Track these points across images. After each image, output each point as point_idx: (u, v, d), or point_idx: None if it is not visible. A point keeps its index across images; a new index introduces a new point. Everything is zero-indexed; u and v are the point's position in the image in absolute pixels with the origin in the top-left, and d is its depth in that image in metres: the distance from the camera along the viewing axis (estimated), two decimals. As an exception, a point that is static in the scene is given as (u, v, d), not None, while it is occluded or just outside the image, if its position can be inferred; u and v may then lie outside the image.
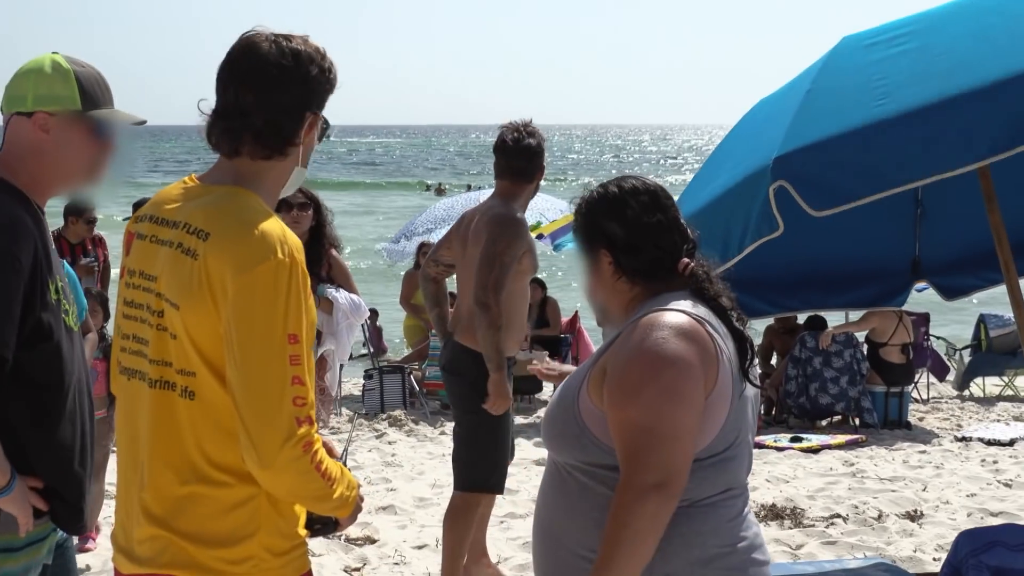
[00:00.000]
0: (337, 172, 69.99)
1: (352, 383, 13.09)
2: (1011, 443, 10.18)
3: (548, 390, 11.88)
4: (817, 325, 11.75)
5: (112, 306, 3.92)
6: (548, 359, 3.45)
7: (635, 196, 2.75)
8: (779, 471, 8.99)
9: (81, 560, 6.29)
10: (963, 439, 10.51)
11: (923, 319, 12.64)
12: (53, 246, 3.18)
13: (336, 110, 2.80)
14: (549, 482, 2.75)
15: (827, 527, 7.26)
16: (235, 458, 2.47)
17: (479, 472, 5.60)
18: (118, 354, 2.70)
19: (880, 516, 7.52)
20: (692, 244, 2.77)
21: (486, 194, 14.12)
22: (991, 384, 13.69)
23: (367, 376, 12.06)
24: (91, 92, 3.15)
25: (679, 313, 2.58)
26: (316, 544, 5.57)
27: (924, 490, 8.36)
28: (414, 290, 13.17)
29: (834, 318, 11.96)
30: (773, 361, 12.30)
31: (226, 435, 2.47)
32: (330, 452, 2.66)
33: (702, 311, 2.63)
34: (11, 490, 3.01)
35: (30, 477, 3.07)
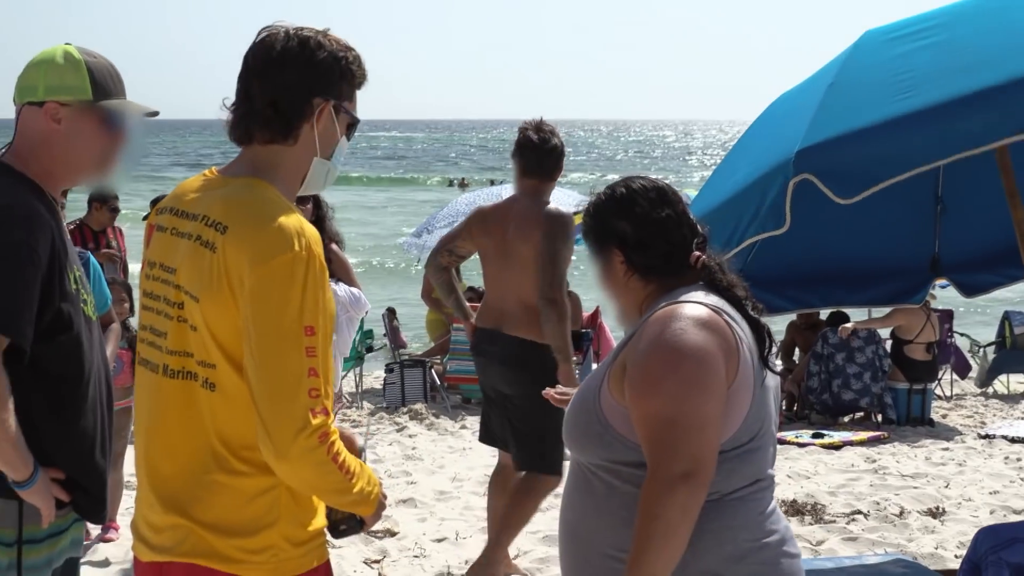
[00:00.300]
0: (361, 167, 69.98)
1: (373, 377, 13.14)
2: (1033, 441, 10.15)
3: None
4: (839, 321, 11.67)
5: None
6: (563, 388, 3.50)
7: (643, 194, 2.77)
8: (800, 467, 8.97)
9: (103, 551, 6.34)
10: (986, 436, 10.47)
11: (947, 316, 12.61)
12: (68, 236, 3.20)
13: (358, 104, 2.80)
14: (573, 485, 2.75)
15: (848, 523, 7.25)
16: (255, 449, 2.48)
17: (558, 455, 5.67)
18: (138, 345, 2.72)
19: (902, 513, 7.51)
20: (702, 238, 2.79)
21: (508, 188, 14.15)
22: (1015, 381, 13.64)
23: (388, 370, 12.06)
24: (102, 82, 3.17)
25: (696, 304, 2.59)
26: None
27: (946, 487, 8.34)
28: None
29: (858, 314, 11.89)
30: (795, 357, 12.27)
31: (246, 426, 2.48)
32: (350, 445, 2.66)
33: (718, 301, 2.64)
34: (34, 482, 3.03)
35: (52, 468, 3.10)
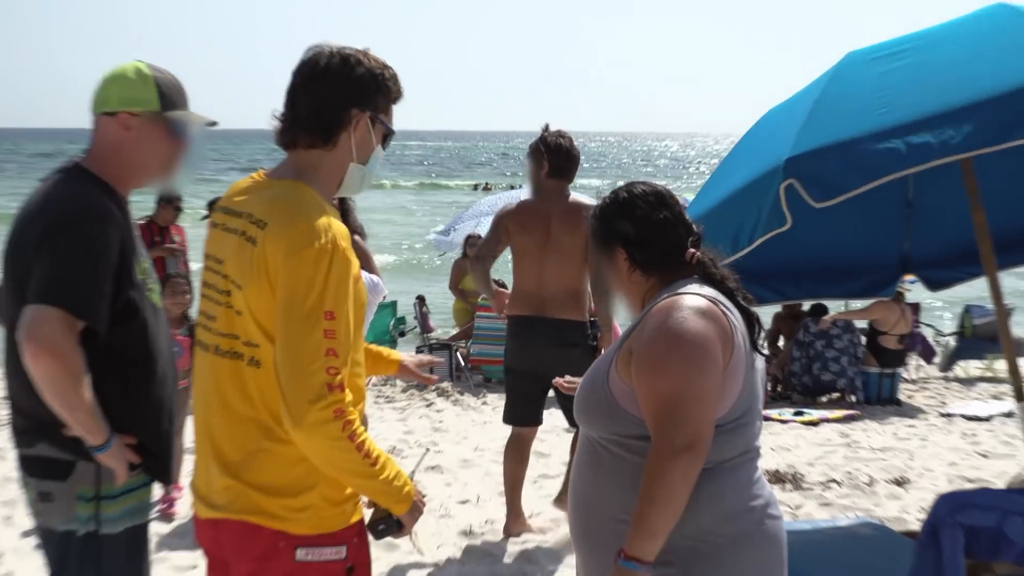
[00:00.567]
0: (394, 172, 70.06)
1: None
2: (988, 419, 10.15)
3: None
4: (820, 312, 11.70)
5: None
6: (570, 377, 3.52)
7: (643, 198, 2.78)
8: (782, 441, 8.97)
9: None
10: (946, 415, 10.47)
11: (914, 308, 12.64)
12: (137, 231, 3.22)
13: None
14: (584, 458, 2.75)
15: (824, 491, 7.25)
16: None
17: None
18: (196, 329, 2.74)
19: (871, 481, 7.51)
20: (697, 236, 2.79)
21: (527, 192, 14.14)
22: (973, 367, 13.65)
23: (418, 352, 12.05)
24: (168, 95, 3.18)
25: (695, 296, 2.59)
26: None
27: (910, 459, 8.33)
28: (462, 276, 13.18)
29: (836, 306, 11.96)
30: (780, 344, 12.31)
31: None
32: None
33: (714, 292, 2.64)
34: (109, 447, 3.05)
35: (125, 435, 3.11)
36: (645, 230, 2.74)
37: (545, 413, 9.52)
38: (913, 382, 12.72)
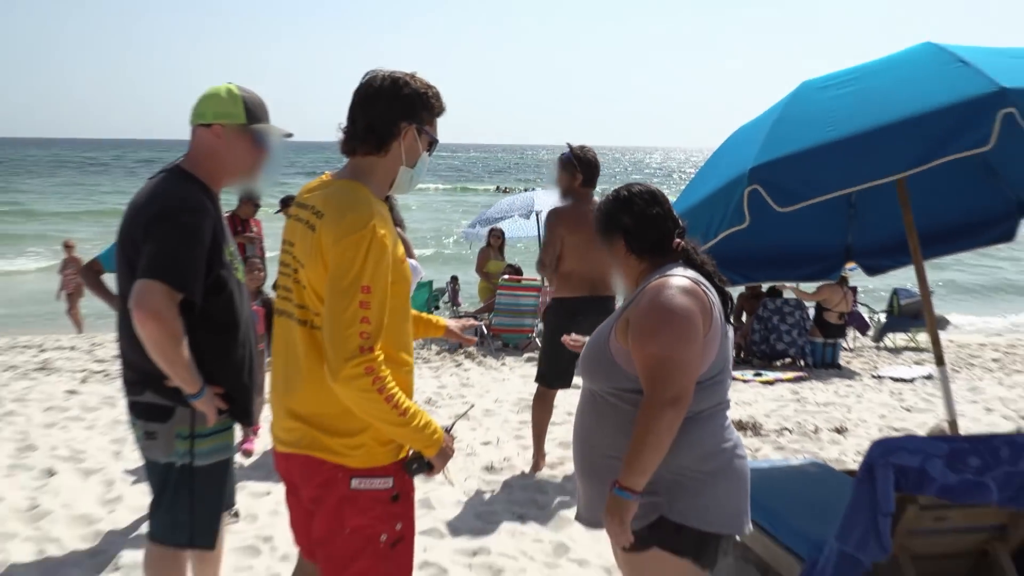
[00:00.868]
0: (431, 178, 70.09)
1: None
2: (912, 381, 10.14)
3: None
4: (775, 293, 11.81)
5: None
6: (576, 336, 3.49)
7: (639, 196, 2.76)
8: (744, 397, 8.94)
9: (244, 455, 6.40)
10: (877, 377, 10.44)
11: (853, 290, 12.63)
12: (225, 221, 3.23)
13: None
14: (585, 406, 2.75)
15: (778, 437, 7.24)
16: None
17: None
18: (275, 301, 2.74)
19: (816, 430, 7.49)
20: (682, 229, 2.77)
21: (540, 192, 14.11)
22: (899, 339, 13.66)
23: (450, 322, 12.08)
24: (253, 111, 3.18)
25: (681, 277, 2.58)
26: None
27: (848, 412, 8.31)
28: (486, 262, 13.17)
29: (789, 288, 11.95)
30: (743, 318, 12.30)
31: None
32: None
33: (696, 274, 2.63)
34: (202, 395, 3.07)
35: (214, 386, 3.13)
36: (641, 222, 2.72)
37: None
38: (851, 350, 12.74)
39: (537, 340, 11.82)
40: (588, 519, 2.69)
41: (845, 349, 12.44)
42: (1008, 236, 5.23)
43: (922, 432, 6.94)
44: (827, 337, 11.47)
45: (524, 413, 7.79)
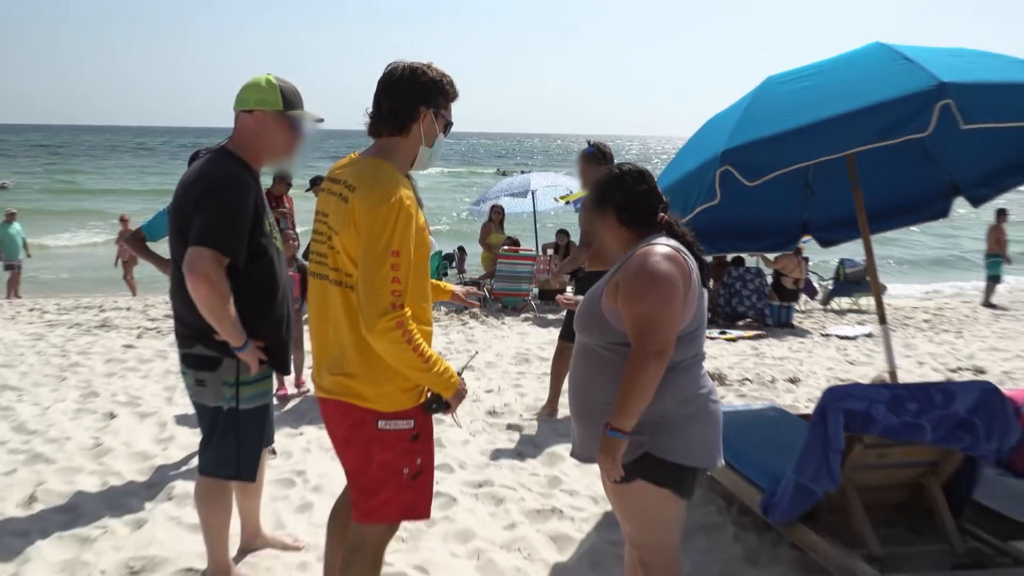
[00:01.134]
0: (441, 161, 69.28)
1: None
2: (854, 338, 10.17)
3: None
4: (739, 262, 11.79)
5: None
6: (571, 290, 3.45)
7: (629, 174, 2.73)
8: (711, 352, 8.95)
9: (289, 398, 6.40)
10: (825, 335, 10.44)
11: (805, 260, 12.64)
12: (264, 196, 3.21)
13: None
14: (580, 358, 2.72)
15: (740, 386, 7.26)
16: None
17: None
18: (310, 265, 2.72)
19: (773, 380, 7.50)
20: (665, 204, 2.75)
21: (535, 174, 14.06)
22: (844, 302, 13.65)
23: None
24: (290, 98, 3.15)
25: (665, 246, 2.56)
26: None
27: (800, 365, 8.33)
28: (488, 234, 13.13)
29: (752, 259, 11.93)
30: (711, 284, 12.32)
31: None
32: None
33: (677, 244, 2.61)
34: (246, 348, 3.06)
35: (256, 340, 3.12)
36: (631, 198, 2.70)
37: (543, 331, 9.52)
38: (803, 312, 12.74)
39: (533, 303, 11.82)
40: (583, 456, 2.70)
41: (798, 311, 12.44)
42: (943, 213, 5.23)
43: (865, 382, 6.95)
44: (783, 301, 11.47)
45: (522, 365, 7.81)
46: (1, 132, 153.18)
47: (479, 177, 57.10)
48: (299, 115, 3.18)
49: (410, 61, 2.61)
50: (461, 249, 14.03)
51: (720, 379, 7.46)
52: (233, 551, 3.69)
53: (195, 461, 4.96)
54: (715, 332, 10.26)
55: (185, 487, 4.47)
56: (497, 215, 13.23)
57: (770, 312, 11.34)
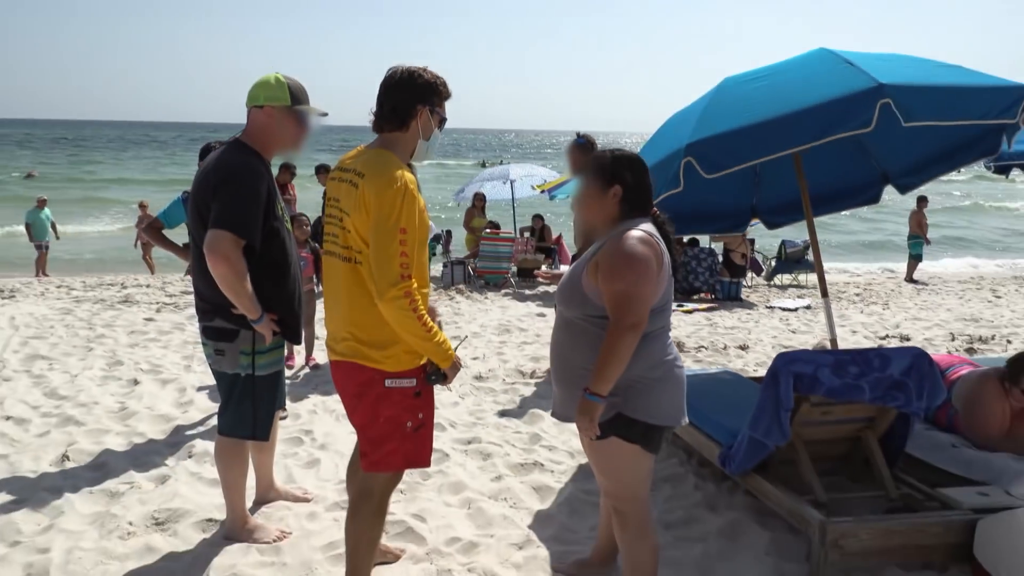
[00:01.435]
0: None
1: (433, 270, 13.12)
2: (796, 310, 10.23)
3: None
4: (694, 242, 11.86)
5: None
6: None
7: (640, 161, 2.64)
8: (670, 323, 9.02)
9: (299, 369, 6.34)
10: (770, 307, 10.51)
11: (751, 242, 12.72)
12: (275, 183, 3.16)
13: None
14: (561, 329, 2.68)
15: (696, 353, 7.28)
16: None
17: None
18: (324, 244, 2.69)
19: (725, 347, 7.54)
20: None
21: (513, 165, 13.99)
22: (786, 279, 13.77)
23: (444, 266, 12.05)
24: (297, 94, 3.10)
25: (640, 230, 2.54)
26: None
27: (749, 334, 8.37)
28: (471, 219, 13.07)
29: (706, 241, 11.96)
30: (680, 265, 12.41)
31: None
32: (432, 313, 2.62)
33: (652, 228, 2.59)
34: (262, 320, 3.03)
35: (270, 313, 3.08)
36: (640, 183, 2.62)
37: (522, 305, 9.49)
38: (750, 287, 12.81)
39: (512, 280, 11.79)
40: (563, 415, 2.69)
41: (746, 286, 12.52)
42: (875, 199, 5.25)
43: (808, 348, 7.02)
44: (732, 277, 11.55)
45: (504, 335, 7.79)
46: (26, 126, 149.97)
47: (464, 168, 56.85)
48: (305, 110, 3.13)
49: (407, 65, 2.62)
50: (447, 232, 13.97)
51: (679, 347, 7.49)
52: (249, 503, 3.66)
53: (212, 422, 4.91)
54: (673, 305, 10.32)
55: (204, 446, 4.42)
56: (480, 201, 13.16)
57: (721, 287, 11.41)
